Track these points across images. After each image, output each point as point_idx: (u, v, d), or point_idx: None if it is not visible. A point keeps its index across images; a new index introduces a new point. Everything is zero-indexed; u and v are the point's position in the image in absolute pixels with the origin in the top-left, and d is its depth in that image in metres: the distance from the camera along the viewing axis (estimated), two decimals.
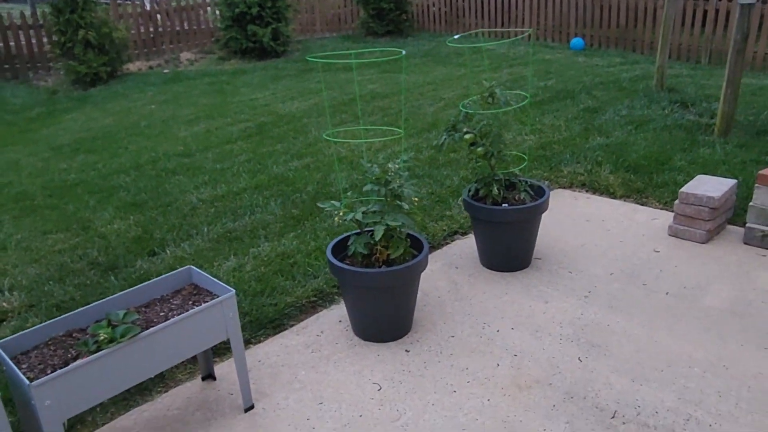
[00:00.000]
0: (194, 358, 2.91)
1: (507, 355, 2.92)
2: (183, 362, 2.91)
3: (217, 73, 10.31)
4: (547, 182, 4.80)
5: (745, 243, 3.82)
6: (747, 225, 3.83)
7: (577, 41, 10.28)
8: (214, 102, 8.26)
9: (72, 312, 2.43)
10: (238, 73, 10.12)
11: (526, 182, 3.71)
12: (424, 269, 3.08)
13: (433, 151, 5.54)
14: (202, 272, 2.66)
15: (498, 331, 3.10)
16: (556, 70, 8.56)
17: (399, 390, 2.72)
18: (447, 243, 4.06)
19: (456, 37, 4.54)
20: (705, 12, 8.87)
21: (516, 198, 3.63)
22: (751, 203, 3.82)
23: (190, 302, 2.56)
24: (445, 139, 3.53)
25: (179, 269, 2.70)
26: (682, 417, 2.49)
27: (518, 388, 2.70)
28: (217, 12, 11.52)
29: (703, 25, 8.93)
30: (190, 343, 2.39)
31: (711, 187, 3.93)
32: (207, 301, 2.52)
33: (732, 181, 4.05)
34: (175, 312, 2.49)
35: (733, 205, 4.12)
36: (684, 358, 2.83)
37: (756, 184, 3.79)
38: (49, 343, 2.34)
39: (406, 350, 3.00)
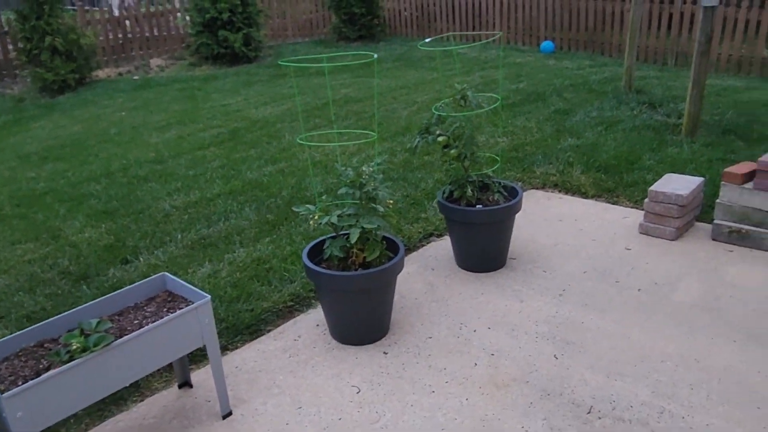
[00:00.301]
0: (170, 365, 2.88)
1: (484, 354, 2.94)
2: (158, 370, 2.88)
3: (188, 79, 10.21)
4: (520, 183, 4.85)
5: (713, 239, 3.91)
6: (714, 221, 3.92)
7: (546, 44, 10.42)
8: (185, 108, 8.18)
9: (43, 322, 2.39)
10: (209, 79, 10.04)
11: (500, 183, 3.75)
12: (401, 271, 3.09)
13: (407, 154, 5.57)
14: (177, 279, 2.64)
15: (475, 331, 3.12)
16: (526, 73, 8.67)
17: (378, 392, 2.73)
18: (423, 245, 4.08)
19: (427, 40, 4.57)
20: (670, 15, 9.06)
21: (490, 199, 3.67)
22: (718, 200, 3.92)
23: (165, 309, 2.53)
24: (419, 141, 3.55)
25: (153, 276, 2.67)
26: (656, 410, 2.54)
27: (496, 386, 2.72)
28: (188, 18, 11.41)
29: (669, 28, 9.13)
30: (165, 351, 2.37)
31: (679, 185, 4.02)
32: (182, 308, 2.49)
33: (699, 179, 4.14)
34: (149, 319, 2.46)
35: (701, 203, 4.21)
36: (656, 353, 2.88)
37: (722, 182, 3.89)
38: (20, 354, 2.29)
39: (384, 352, 3.00)
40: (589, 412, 2.55)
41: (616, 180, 4.77)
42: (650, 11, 9.17)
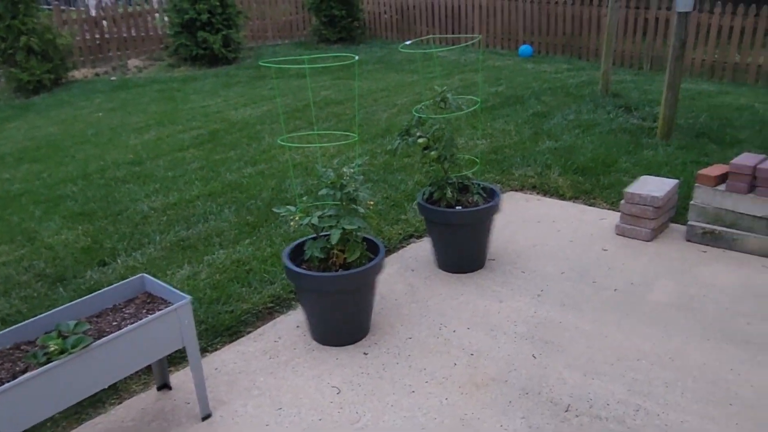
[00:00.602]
0: (149, 367, 2.85)
1: (464, 354, 2.96)
2: (137, 372, 2.85)
3: (167, 80, 10.12)
4: (499, 185, 4.90)
5: (687, 240, 3.98)
6: (688, 223, 4.00)
7: (525, 48, 10.53)
8: (164, 109, 8.12)
9: (19, 324, 2.36)
10: (188, 80, 9.97)
11: (479, 185, 3.78)
12: (381, 272, 3.10)
13: (388, 157, 5.59)
14: (156, 280, 2.62)
15: (454, 331, 3.14)
16: (505, 77, 8.74)
17: (358, 393, 2.73)
18: (403, 246, 4.09)
19: (408, 43, 4.59)
20: (646, 20, 9.22)
21: (469, 200, 3.70)
22: (692, 202, 3.99)
23: (144, 311, 2.52)
24: (399, 143, 3.57)
25: (132, 278, 2.65)
26: (632, 408, 2.58)
27: (475, 386, 2.74)
28: (166, 18, 11.31)
29: (645, 32, 9.28)
30: (144, 353, 2.35)
31: (654, 187, 4.09)
32: (161, 309, 2.48)
33: (674, 181, 4.22)
34: (128, 321, 2.44)
35: (676, 204, 4.29)
36: (632, 352, 2.93)
37: (696, 184, 3.97)
38: None
39: (364, 353, 3.01)
40: (566, 411, 2.58)
41: (593, 182, 4.84)
42: (626, 16, 9.31)
